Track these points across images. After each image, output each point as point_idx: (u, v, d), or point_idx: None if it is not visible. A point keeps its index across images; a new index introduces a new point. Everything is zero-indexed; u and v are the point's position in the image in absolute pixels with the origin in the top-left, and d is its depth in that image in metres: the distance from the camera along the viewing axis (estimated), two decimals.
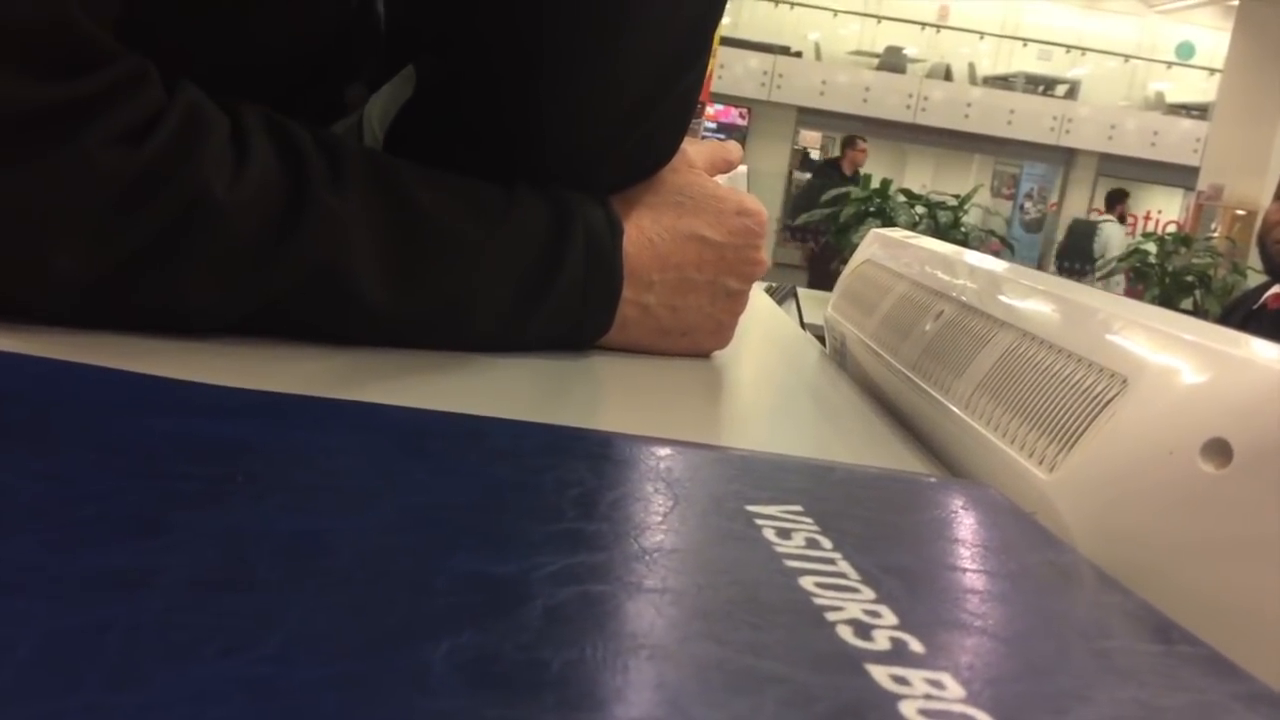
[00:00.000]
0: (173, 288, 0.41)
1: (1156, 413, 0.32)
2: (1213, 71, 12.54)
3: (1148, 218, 13.64)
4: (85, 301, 0.40)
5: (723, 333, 0.57)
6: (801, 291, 1.16)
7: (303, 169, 0.43)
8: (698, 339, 0.56)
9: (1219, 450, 0.29)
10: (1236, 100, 8.91)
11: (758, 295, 0.96)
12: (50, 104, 0.37)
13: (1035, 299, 0.45)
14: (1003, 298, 0.47)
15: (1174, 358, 0.33)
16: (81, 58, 0.38)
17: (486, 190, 0.49)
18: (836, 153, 8.49)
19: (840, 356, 0.69)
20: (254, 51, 0.46)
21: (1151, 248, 7.83)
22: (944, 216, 6.38)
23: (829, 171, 7.81)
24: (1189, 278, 7.29)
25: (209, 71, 0.42)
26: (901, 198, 6.44)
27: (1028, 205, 13.88)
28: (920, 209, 6.43)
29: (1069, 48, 14.93)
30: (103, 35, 0.39)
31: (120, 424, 0.27)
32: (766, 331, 0.80)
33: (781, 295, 1.20)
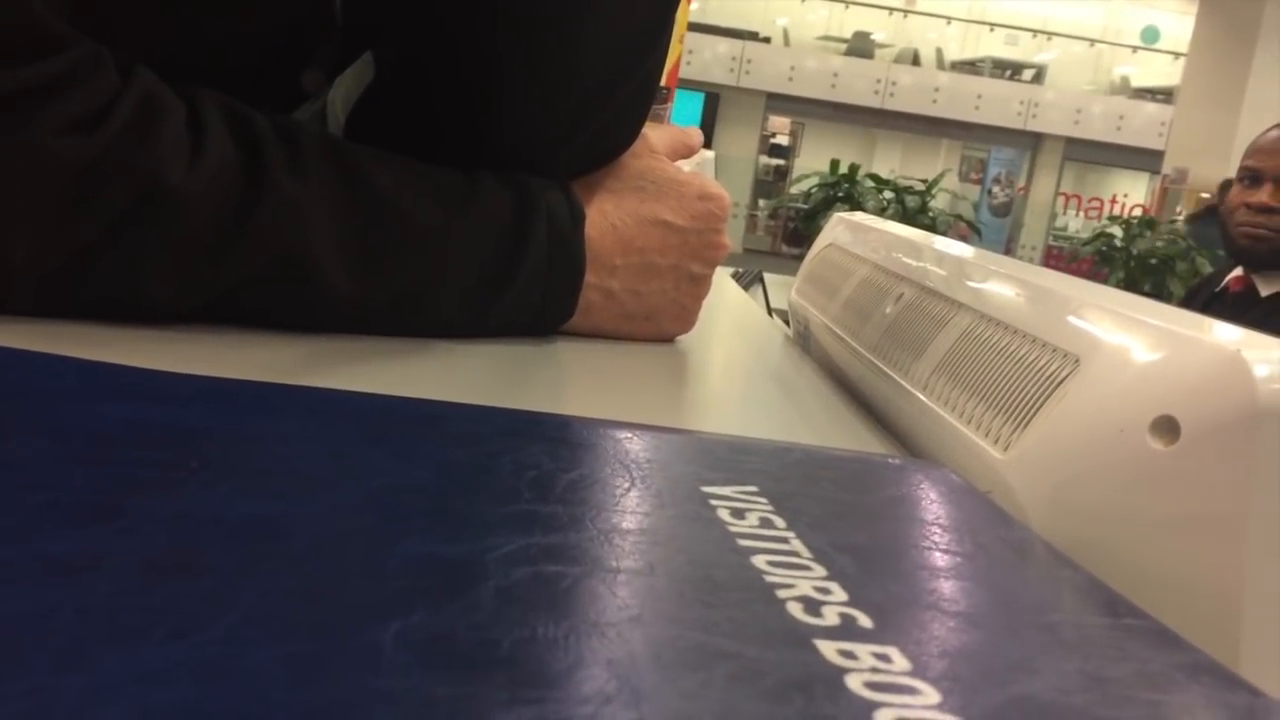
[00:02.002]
0: (130, 276, 0.41)
1: (1107, 391, 0.32)
2: (1177, 55, 12.66)
3: (1114, 201, 13.76)
4: (42, 291, 0.40)
5: (686, 317, 0.58)
6: (768, 276, 1.17)
7: (261, 155, 0.42)
8: (661, 323, 0.57)
9: (1167, 427, 0.30)
10: (1200, 84, 9.00)
11: (724, 281, 0.96)
12: (2, 91, 0.37)
13: (993, 281, 0.45)
14: (961, 280, 0.47)
15: (1124, 337, 0.34)
16: (34, 44, 0.38)
17: (448, 176, 0.49)
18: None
19: (804, 340, 0.69)
20: (206, 39, 0.46)
21: (1117, 231, 7.90)
22: (911, 201, 6.42)
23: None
24: (1153, 260, 7.37)
25: (162, 59, 0.42)
26: (869, 183, 6.47)
27: (995, 190, 13.98)
28: (888, 194, 6.46)
29: (1035, 32, 15.03)
30: (56, 22, 0.39)
31: (72, 411, 0.27)
32: (731, 316, 0.81)
33: (747, 280, 1.21)
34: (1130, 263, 7.50)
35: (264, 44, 0.48)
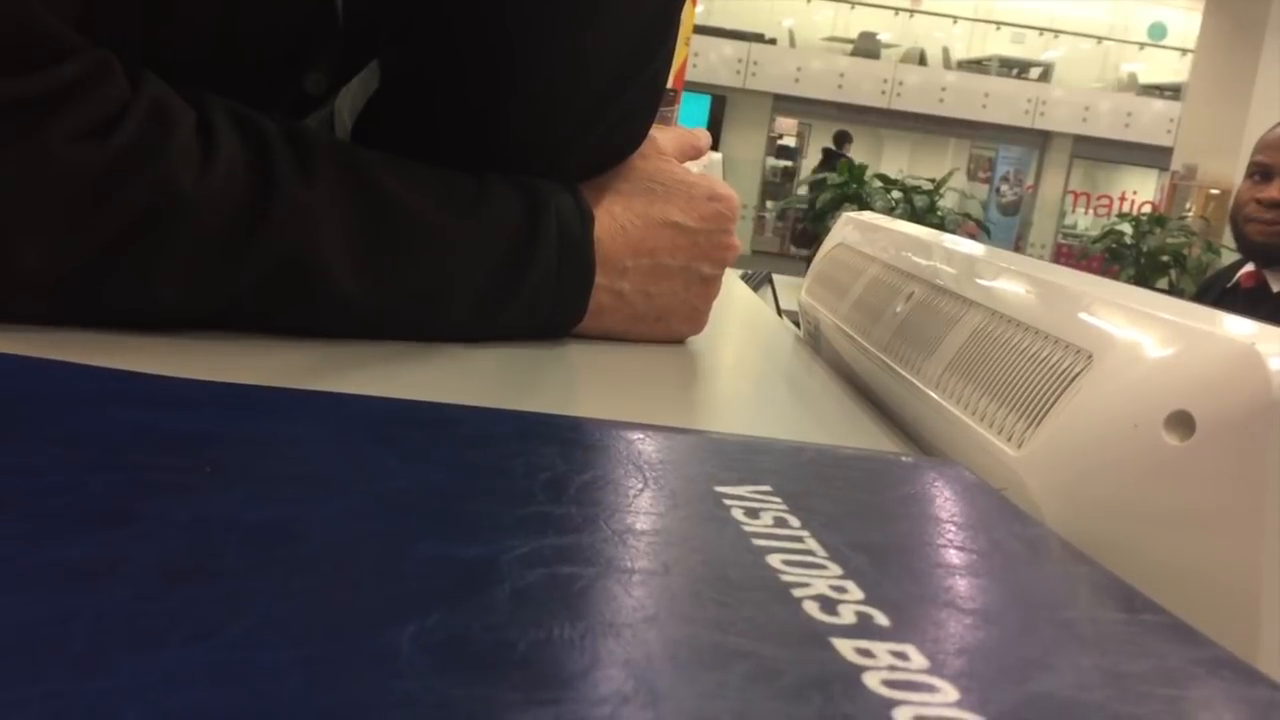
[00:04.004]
0: (142, 283, 0.41)
1: (1120, 387, 0.32)
2: (1184, 52, 12.62)
3: (1123, 198, 13.73)
4: (54, 298, 0.40)
5: (697, 318, 0.58)
6: (777, 277, 1.16)
7: (270, 161, 0.42)
8: (672, 325, 0.57)
9: (1182, 423, 0.29)
10: (1208, 80, 8.96)
11: (733, 282, 0.96)
12: (12, 99, 0.37)
13: (1003, 278, 0.45)
14: (971, 278, 0.47)
15: (1137, 332, 0.34)
16: (43, 53, 0.38)
17: (457, 180, 0.49)
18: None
19: (815, 340, 0.69)
20: (208, 42, 0.46)
21: (1127, 228, 7.87)
22: (920, 201, 6.40)
23: None
24: (1164, 257, 7.33)
25: (165, 63, 0.42)
26: (878, 183, 6.46)
27: (1004, 188, 13.95)
28: (896, 194, 6.45)
29: (1042, 30, 15.01)
30: (64, 30, 0.39)
31: (86, 417, 0.27)
32: (741, 317, 0.81)
33: (757, 281, 1.20)
34: (1140, 260, 7.47)
35: (266, 46, 0.48)
